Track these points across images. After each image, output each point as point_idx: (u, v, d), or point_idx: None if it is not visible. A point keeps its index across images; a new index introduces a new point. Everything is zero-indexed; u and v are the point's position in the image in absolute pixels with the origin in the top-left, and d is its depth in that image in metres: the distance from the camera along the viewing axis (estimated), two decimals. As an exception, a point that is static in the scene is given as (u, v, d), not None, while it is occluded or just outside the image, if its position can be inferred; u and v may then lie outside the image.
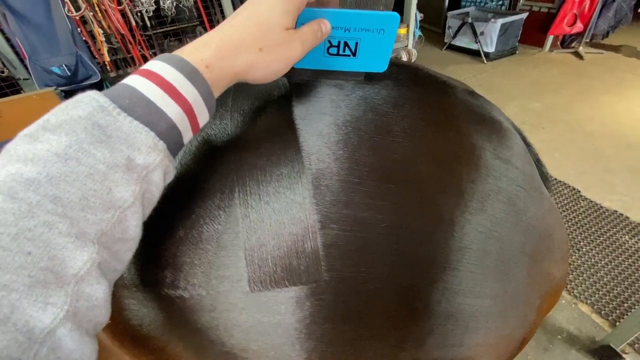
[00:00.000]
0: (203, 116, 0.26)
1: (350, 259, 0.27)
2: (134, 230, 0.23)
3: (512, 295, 0.32)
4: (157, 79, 0.23)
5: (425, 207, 0.29)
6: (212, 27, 2.09)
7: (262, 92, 0.35)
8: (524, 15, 3.46)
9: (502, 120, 0.39)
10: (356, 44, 0.32)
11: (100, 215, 0.21)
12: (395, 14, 0.31)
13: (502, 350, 0.34)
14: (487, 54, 3.50)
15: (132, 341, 0.32)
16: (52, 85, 1.78)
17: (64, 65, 1.78)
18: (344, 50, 0.33)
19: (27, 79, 1.82)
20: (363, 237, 0.28)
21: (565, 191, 1.85)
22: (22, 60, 1.78)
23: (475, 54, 3.60)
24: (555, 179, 1.93)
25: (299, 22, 0.30)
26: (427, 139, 0.32)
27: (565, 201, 1.79)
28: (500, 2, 3.92)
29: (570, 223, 1.66)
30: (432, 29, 4.40)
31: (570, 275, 1.43)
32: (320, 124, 0.31)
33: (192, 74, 0.24)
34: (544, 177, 0.43)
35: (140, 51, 1.96)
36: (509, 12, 3.73)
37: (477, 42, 3.48)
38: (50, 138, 0.20)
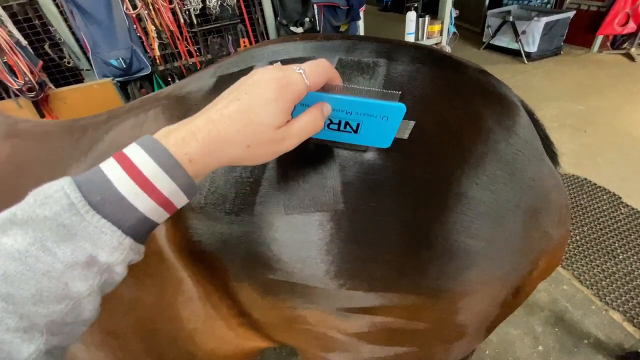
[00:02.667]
0: (181, 202, 0.27)
1: (363, 195, 0.34)
2: (89, 314, 0.25)
3: (505, 242, 0.36)
4: (134, 172, 0.24)
5: (429, 158, 0.35)
6: (252, 25, 2.20)
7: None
8: (571, 13, 3.29)
9: (509, 95, 0.43)
10: (358, 124, 0.32)
11: (53, 307, 0.22)
12: (402, 105, 0.30)
13: (496, 293, 0.38)
14: (528, 54, 3.36)
15: (191, 254, 0.40)
16: (110, 76, 1.97)
17: (120, 58, 1.96)
18: (344, 128, 0.32)
19: (88, 70, 2.02)
20: (374, 178, 0.35)
21: (604, 197, 1.78)
22: (84, 53, 1.98)
23: (515, 54, 3.47)
24: (595, 184, 1.85)
25: (300, 103, 0.29)
26: (435, 104, 0.37)
27: (605, 207, 1.72)
28: (546, 0, 3.75)
29: (608, 229, 1.60)
30: (471, 28, 4.28)
31: (604, 282, 1.39)
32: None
33: (172, 168, 0.25)
34: (552, 152, 0.47)
35: (186, 46, 2.11)
36: (554, 10, 3.55)
37: (517, 42, 3.35)
38: (16, 233, 0.21)
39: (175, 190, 0.25)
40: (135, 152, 0.24)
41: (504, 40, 3.53)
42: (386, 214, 0.34)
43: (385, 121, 0.31)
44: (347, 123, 0.32)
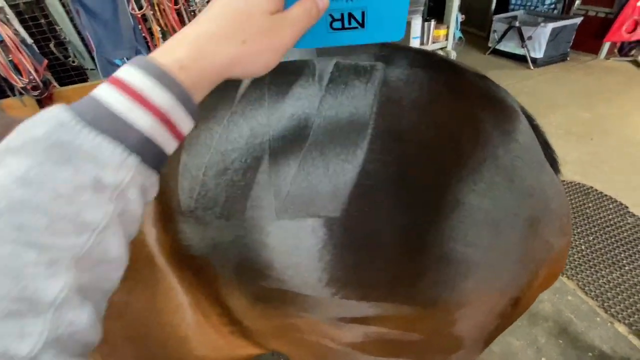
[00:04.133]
0: (183, 122, 0.24)
1: (356, 201, 0.33)
2: (116, 251, 0.22)
3: (503, 251, 0.35)
4: (124, 87, 0.22)
5: (425, 164, 0.34)
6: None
7: (294, 68, 0.39)
8: (578, 20, 3.27)
9: (509, 100, 0.42)
10: (363, 13, 0.28)
11: (73, 240, 0.20)
12: None
13: (494, 303, 0.37)
14: (534, 60, 3.34)
15: (180, 260, 0.40)
16: (114, 76, 1.98)
17: (125, 59, 1.96)
18: (349, 23, 0.29)
19: (93, 69, 2.03)
20: (369, 184, 0.34)
21: (611, 206, 1.75)
22: (89, 52, 1.98)
23: (521, 59, 3.44)
24: (601, 193, 1.82)
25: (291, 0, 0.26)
26: (432, 109, 0.36)
27: (611, 216, 1.69)
28: (553, 6, 3.72)
29: (614, 239, 1.57)
30: (476, 33, 4.26)
31: (609, 293, 1.36)
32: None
33: (162, 78, 0.22)
34: (552, 158, 0.45)
35: (191, 47, 2.11)
36: (561, 16, 3.53)
37: (523, 47, 3.33)
38: (10, 162, 0.19)
39: (171, 102, 0.22)
40: (122, 69, 0.22)
41: (510, 46, 3.52)
42: (381, 221, 0.33)
43: (391, 0, 0.27)
44: (350, 15, 0.28)
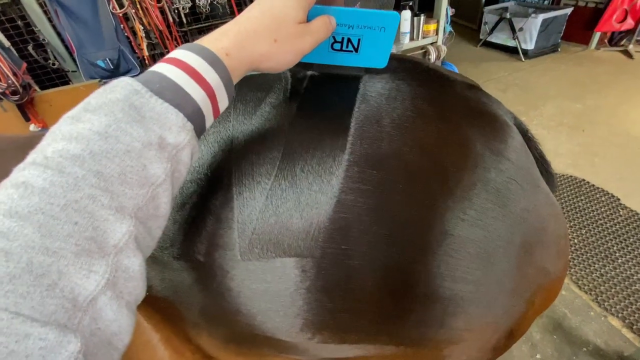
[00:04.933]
0: (223, 101, 0.28)
1: (332, 237, 0.30)
2: (164, 207, 0.25)
3: (496, 283, 0.32)
4: (182, 65, 0.25)
5: (407, 193, 0.31)
6: (244, 23, 2.14)
7: (265, 83, 0.37)
8: (569, 10, 3.26)
9: (500, 114, 0.39)
10: (359, 40, 0.34)
11: (137, 191, 0.22)
12: (396, 13, 0.33)
13: (486, 338, 0.34)
14: (525, 52, 3.33)
15: (143, 301, 0.36)
16: (97, 78, 1.92)
17: (107, 59, 1.91)
18: (347, 46, 0.35)
19: (75, 71, 1.97)
20: (345, 217, 0.30)
21: (603, 198, 1.75)
22: (70, 54, 1.92)
23: (512, 51, 3.43)
24: (593, 186, 1.82)
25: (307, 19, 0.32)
26: (416, 129, 0.33)
27: (603, 209, 1.69)
28: (543, -3, 3.71)
29: (606, 232, 1.57)
30: (467, 25, 4.24)
31: (602, 287, 1.36)
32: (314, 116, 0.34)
33: (213, 60, 0.26)
34: (548, 173, 0.43)
35: (176, 46, 2.05)
36: (551, 6, 3.51)
37: (515, 39, 3.32)
38: (91, 118, 0.22)
39: (219, 83, 0.27)
40: (177, 52, 0.26)
41: (501, 38, 3.50)
42: (359, 260, 0.30)
43: (382, 33, 0.34)
44: (349, 40, 0.35)
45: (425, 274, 0.30)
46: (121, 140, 0.22)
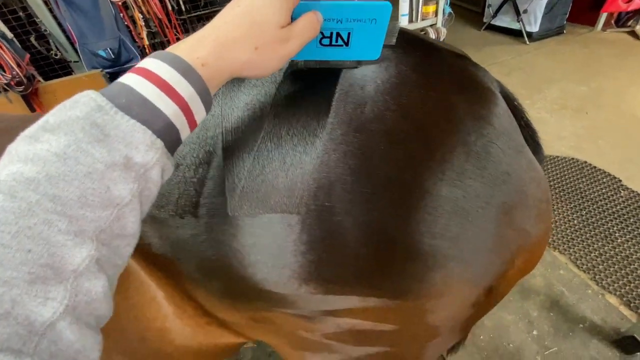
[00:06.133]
0: (200, 113, 0.27)
1: (316, 195, 0.32)
2: (132, 227, 0.24)
3: (474, 241, 0.34)
4: (152, 77, 0.23)
5: (388, 154, 0.32)
6: (243, 10, 2.13)
7: None
8: (575, -10, 3.18)
9: (485, 81, 0.40)
10: (348, 34, 0.32)
11: (99, 213, 0.21)
12: (387, 3, 0.30)
13: (465, 294, 0.36)
14: (529, 34, 3.26)
15: (146, 259, 0.39)
16: (99, 68, 1.94)
17: (108, 49, 1.92)
18: (336, 41, 0.32)
19: (77, 62, 1.99)
20: (328, 177, 0.32)
21: (604, 180, 1.74)
22: (72, 44, 1.94)
23: (517, 34, 3.37)
24: (595, 167, 1.81)
25: (292, 16, 0.29)
26: (399, 94, 0.34)
27: (604, 190, 1.69)
28: (549, -23, 3.61)
29: (607, 213, 1.57)
30: (471, 8, 4.16)
31: (600, 266, 1.37)
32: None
33: (187, 71, 0.25)
34: (535, 142, 0.44)
35: (175, 35, 2.06)
36: (557, -13, 3.43)
37: (519, 21, 3.25)
38: (49, 138, 0.21)
39: (193, 95, 0.25)
40: (148, 62, 0.24)
41: (505, 20, 3.43)
42: (341, 215, 0.31)
43: (373, 25, 0.31)
44: (338, 35, 0.32)
45: (405, 230, 0.32)
46: (81, 161, 0.21)
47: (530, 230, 0.38)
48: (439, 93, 0.35)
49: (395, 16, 0.33)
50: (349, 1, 0.30)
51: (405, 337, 0.39)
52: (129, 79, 0.24)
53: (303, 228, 0.32)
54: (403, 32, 0.40)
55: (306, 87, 0.35)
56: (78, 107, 0.22)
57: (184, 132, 0.26)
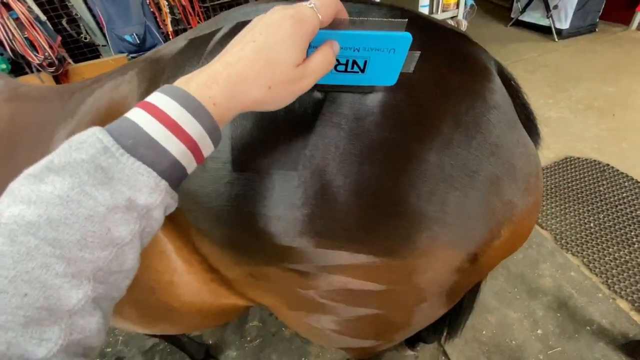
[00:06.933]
0: (208, 148, 0.26)
1: (312, 155, 0.34)
2: (131, 263, 0.24)
3: (460, 207, 0.35)
4: (161, 116, 0.23)
5: (380, 121, 0.35)
6: (265, -1, 2.16)
7: None
8: (610, -14, 3.03)
9: (482, 59, 0.41)
10: (365, 62, 0.31)
11: (98, 254, 0.22)
12: (408, 34, 0.29)
13: (449, 258, 0.38)
14: (559, 31, 3.14)
15: None
16: (125, 52, 2.01)
17: (134, 34, 1.99)
18: (352, 68, 0.32)
19: (105, 46, 2.07)
20: (323, 139, 0.34)
21: (626, 183, 1.68)
22: (101, 29, 2.02)
23: (545, 31, 3.24)
24: (617, 171, 1.75)
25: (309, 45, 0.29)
26: None
27: (625, 194, 1.63)
28: (583, -28, 3.45)
29: (626, 217, 1.52)
30: (498, 3, 4.03)
31: (614, 270, 1.34)
32: None
33: (197, 110, 0.24)
34: (531, 122, 0.44)
35: (198, 21, 2.11)
36: (591, -17, 3.27)
37: (548, 17, 3.13)
38: (54, 180, 0.21)
39: (202, 134, 0.25)
40: (158, 98, 0.24)
41: (534, 17, 3.31)
42: (334, 175, 0.34)
43: (392, 54, 0.30)
44: (354, 62, 0.31)
45: (392, 191, 0.34)
46: (83, 204, 0.21)
47: (518, 202, 0.39)
48: (433, 66, 0.37)
49: (414, 45, 0.32)
50: (369, 31, 0.29)
51: (393, 299, 0.41)
52: (137, 116, 0.23)
53: (299, 185, 0.34)
54: (406, 11, 0.41)
55: None
56: (84, 148, 0.21)
57: (191, 168, 0.26)
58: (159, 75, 0.43)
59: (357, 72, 0.32)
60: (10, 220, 0.20)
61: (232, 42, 0.28)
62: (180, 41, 0.45)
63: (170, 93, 0.24)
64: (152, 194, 0.23)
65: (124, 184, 0.22)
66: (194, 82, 0.25)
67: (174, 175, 0.25)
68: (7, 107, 0.62)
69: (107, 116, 0.47)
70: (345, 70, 0.32)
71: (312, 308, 0.44)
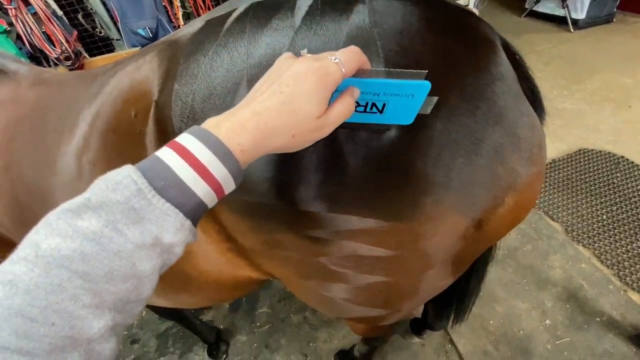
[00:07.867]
0: (230, 188, 0.29)
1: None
2: (147, 293, 0.26)
3: (464, 173, 0.37)
4: (192, 160, 0.25)
5: None
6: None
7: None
8: (630, -26, 2.93)
9: (487, 32, 0.42)
10: (384, 104, 0.33)
11: (121, 286, 0.23)
12: (427, 83, 0.31)
13: (454, 223, 0.39)
14: (575, 22, 3.06)
15: None
16: (138, 46, 2.05)
17: (147, 28, 2.03)
18: (370, 109, 0.33)
19: (118, 40, 2.11)
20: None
21: (641, 176, 1.65)
22: (115, 23, 2.06)
23: (560, 21, 3.17)
24: (632, 163, 1.72)
25: None
26: (402, 37, 0.37)
27: (639, 186, 1.60)
28: (601, -40, 3.35)
29: (639, 210, 1.50)
30: (512, -6, 3.94)
31: (626, 262, 1.32)
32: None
33: (226, 156, 0.26)
34: (534, 94, 0.45)
35: (209, 15, 2.14)
36: (610, -29, 3.17)
37: (564, 7, 3.05)
38: (91, 217, 0.23)
39: (228, 177, 0.27)
40: (190, 141, 0.26)
41: (549, 7, 3.23)
42: (344, 140, 0.36)
43: (410, 99, 0.32)
44: (373, 104, 0.33)
45: (400, 155, 0.35)
46: (114, 241, 0.23)
47: (521, 171, 0.40)
48: (439, 37, 0.38)
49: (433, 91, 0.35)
50: (390, 80, 0.31)
51: (401, 265, 0.43)
52: (169, 157, 0.25)
53: (314, 151, 0.36)
54: None
55: (320, 30, 0.38)
56: (120, 190, 0.23)
57: (212, 205, 0.28)
58: (178, 54, 0.45)
59: (376, 113, 0.34)
60: (47, 252, 0.21)
61: (259, 85, 0.30)
62: (198, 22, 0.47)
63: (201, 137, 0.26)
64: (177, 234, 0.25)
65: (153, 223, 0.24)
66: (223, 127, 0.27)
67: (197, 214, 0.27)
68: (32, 92, 0.65)
69: (130, 94, 0.49)
70: (364, 111, 0.34)
71: (323, 276, 0.46)
